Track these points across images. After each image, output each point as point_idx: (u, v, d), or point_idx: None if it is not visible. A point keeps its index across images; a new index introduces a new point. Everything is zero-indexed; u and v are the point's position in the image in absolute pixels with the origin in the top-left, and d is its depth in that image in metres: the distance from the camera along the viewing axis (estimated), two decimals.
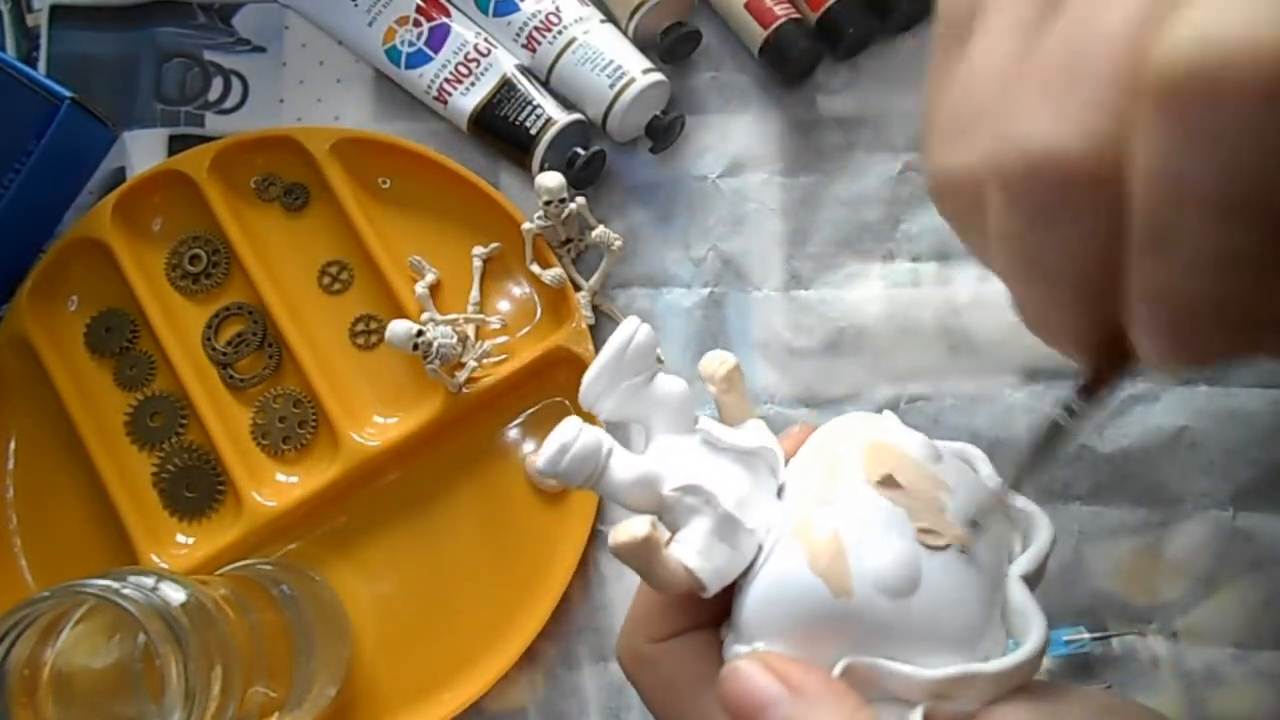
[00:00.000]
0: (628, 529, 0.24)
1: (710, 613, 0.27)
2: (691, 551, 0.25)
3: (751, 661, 0.24)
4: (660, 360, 0.27)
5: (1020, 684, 0.24)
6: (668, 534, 0.25)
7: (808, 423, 0.28)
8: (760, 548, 0.25)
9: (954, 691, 0.23)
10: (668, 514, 0.26)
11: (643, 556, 0.24)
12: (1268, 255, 0.17)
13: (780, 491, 0.27)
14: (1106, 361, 0.22)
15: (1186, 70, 0.16)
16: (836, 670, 0.24)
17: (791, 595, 0.24)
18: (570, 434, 0.25)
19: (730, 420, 0.28)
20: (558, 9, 0.46)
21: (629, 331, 0.26)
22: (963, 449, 0.28)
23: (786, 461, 0.27)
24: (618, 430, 0.28)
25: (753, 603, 0.25)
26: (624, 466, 0.26)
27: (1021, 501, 0.27)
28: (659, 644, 0.27)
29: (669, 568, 0.24)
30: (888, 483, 0.25)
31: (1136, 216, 0.18)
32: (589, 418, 0.27)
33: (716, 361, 0.28)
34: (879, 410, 0.44)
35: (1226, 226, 0.17)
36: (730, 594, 0.26)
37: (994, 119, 0.19)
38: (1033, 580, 0.26)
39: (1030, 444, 0.25)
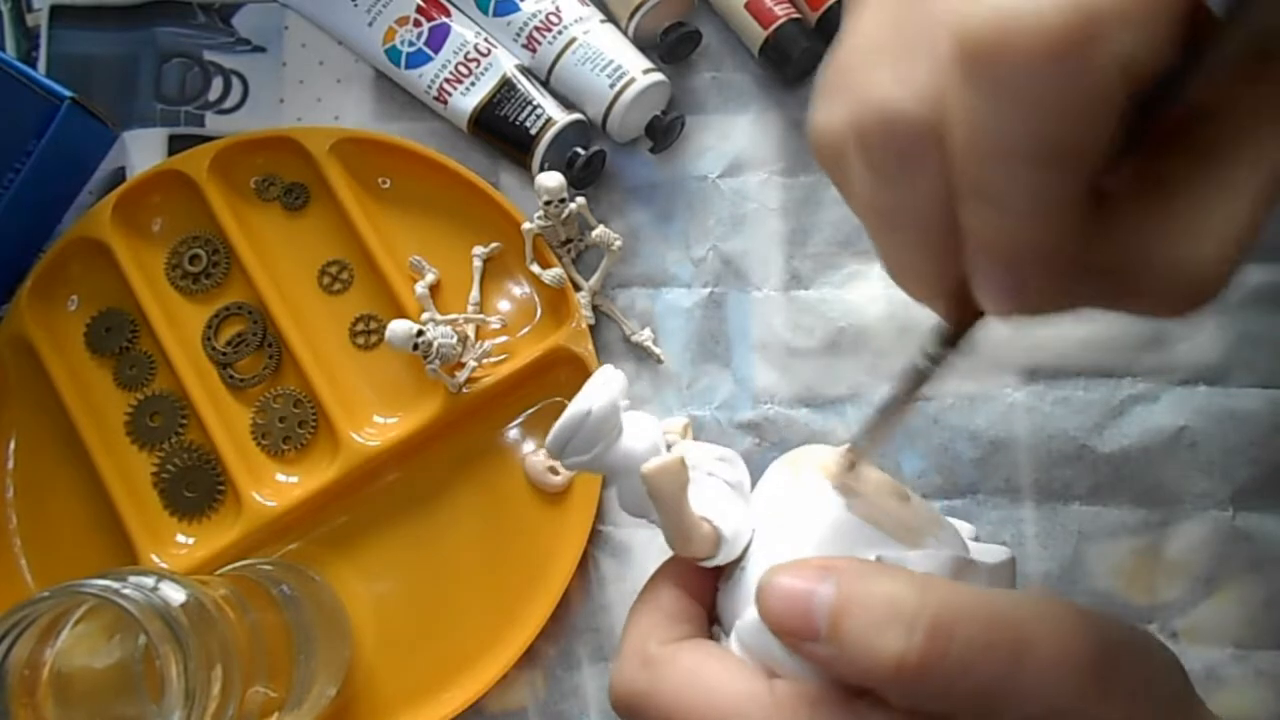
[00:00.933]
0: (661, 460, 0.25)
1: (699, 629, 0.27)
2: (711, 509, 0.27)
3: (783, 567, 0.25)
4: (620, 425, 0.28)
5: (1007, 587, 0.28)
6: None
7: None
8: (746, 550, 0.27)
9: (964, 577, 0.26)
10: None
11: (677, 484, 0.25)
12: (1078, 200, 0.19)
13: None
14: (960, 310, 0.24)
15: (986, 34, 0.18)
16: (870, 557, 0.26)
17: (823, 514, 0.26)
18: (592, 396, 0.27)
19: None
20: (558, 9, 0.46)
21: (584, 406, 0.27)
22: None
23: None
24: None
25: (774, 544, 0.27)
26: (636, 436, 0.27)
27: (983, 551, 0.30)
28: (669, 645, 0.27)
29: (694, 518, 0.26)
30: (849, 458, 0.28)
31: (956, 170, 0.20)
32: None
33: (671, 421, 0.31)
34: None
35: (1033, 174, 0.19)
36: (726, 599, 0.27)
37: (856, 81, 0.21)
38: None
39: (889, 393, 0.26)
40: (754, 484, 0.30)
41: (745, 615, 0.25)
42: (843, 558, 0.25)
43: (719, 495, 0.27)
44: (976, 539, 0.31)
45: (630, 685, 0.26)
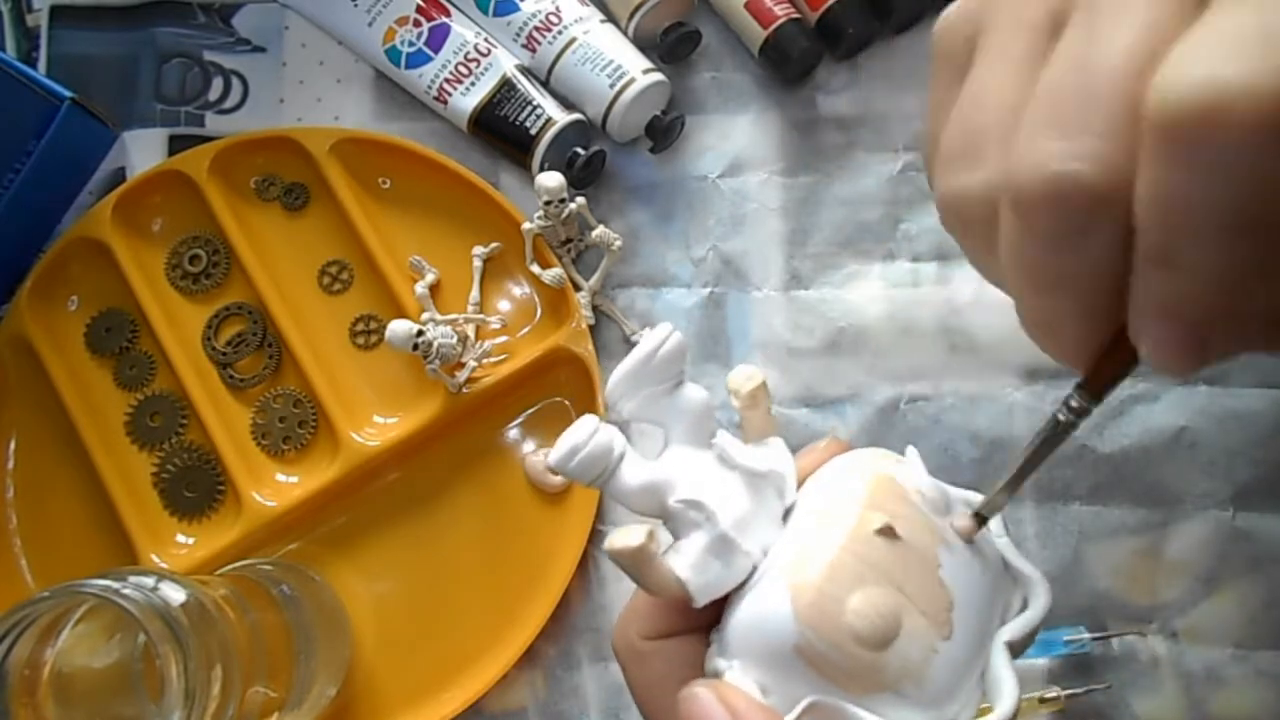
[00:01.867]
0: (624, 536, 0.24)
1: (704, 618, 0.27)
2: (685, 564, 0.25)
3: (710, 691, 0.24)
4: (683, 372, 0.27)
5: None
6: (665, 544, 0.26)
7: (836, 439, 0.28)
8: (755, 568, 0.26)
9: None
10: (670, 521, 0.26)
11: (636, 564, 0.24)
12: (1265, 265, 0.19)
13: (787, 514, 0.27)
14: (1107, 366, 0.23)
15: (1191, 109, 0.17)
16: (799, 708, 0.24)
17: (770, 629, 0.24)
18: (582, 436, 0.25)
19: (751, 436, 0.28)
20: (558, 9, 0.46)
21: (659, 338, 0.26)
22: (974, 500, 0.27)
23: (801, 481, 0.27)
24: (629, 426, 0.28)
25: (736, 624, 0.25)
26: (633, 472, 0.26)
27: (1027, 567, 0.27)
28: (651, 642, 0.27)
29: (662, 574, 0.25)
30: (886, 533, 0.24)
31: (1142, 238, 0.19)
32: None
33: (743, 377, 0.27)
34: (878, 411, 0.44)
35: (1225, 246, 0.18)
36: (723, 604, 0.26)
37: (1003, 143, 0.21)
38: (1018, 646, 0.25)
39: (1030, 443, 0.25)
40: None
41: (716, 658, 0.26)
42: (761, 712, 0.24)
43: (699, 548, 0.25)
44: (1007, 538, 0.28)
45: (618, 653, 0.28)
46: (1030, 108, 0.20)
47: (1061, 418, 0.24)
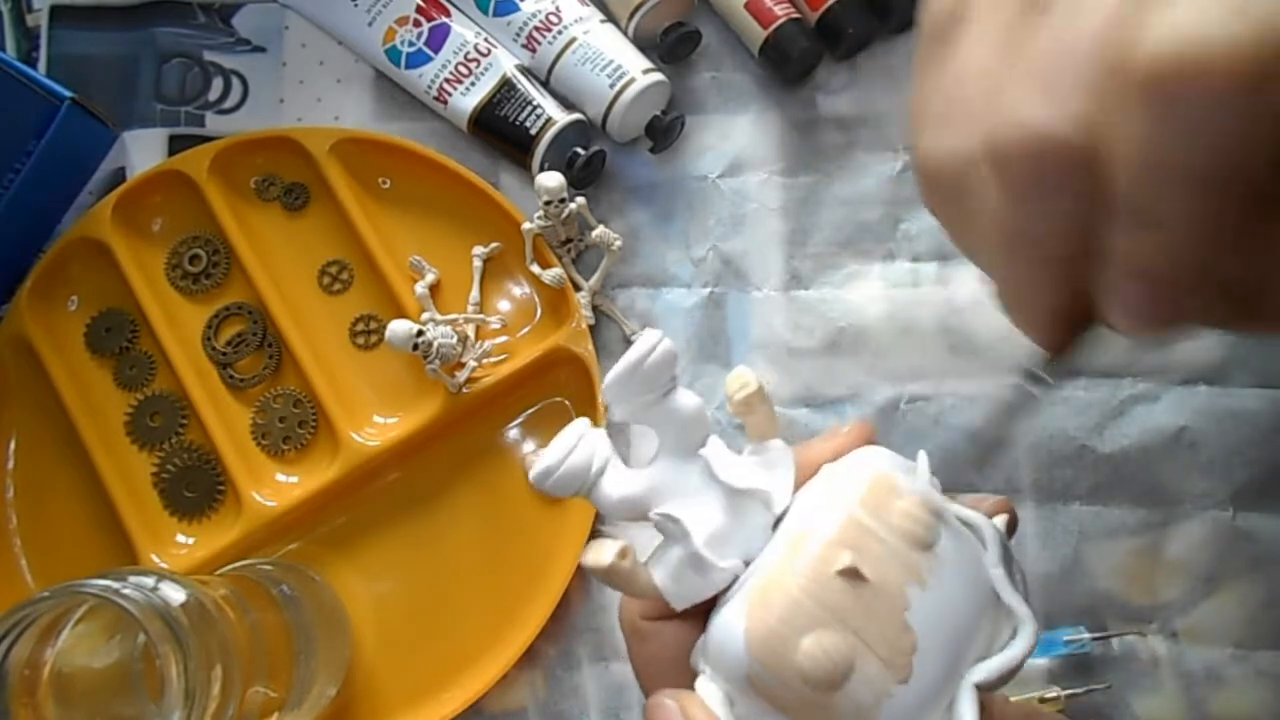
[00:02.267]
0: (596, 553, 0.25)
1: (702, 604, 0.27)
2: (664, 573, 0.26)
3: (675, 702, 0.25)
4: (674, 379, 0.27)
5: None
6: (642, 557, 0.26)
7: (863, 424, 0.28)
8: (737, 578, 0.26)
9: None
10: (656, 527, 0.27)
11: (610, 580, 0.25)
12: (1242, 224, 0.19)
13: (780, 521, 0.26)
14: (1070, 333, 0.24)
15: (1171, 64, 0.17)
16: None
17: (729, 654, 0.24)
18: (558, 455, 0.26)
19: (753, 437, 0.28)
20: (558, 9, 0.46)
21: (648, 345, 0.26)
22: (974, 520, 0.27)
23: (817, 469, 0.27)
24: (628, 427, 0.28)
25: (709, 635, 0.26)
26: (614, 485, 0.26)
27: (1017, 603, 0.25)
28: (652, 622, 0.28)
29: (641, 583, 0.26)
30: (848, 574, 0.24)
31: (1121, 196, 0.20)
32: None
33: (737, 385, 0.27)
34: (879, 411, 0.44)
35: (1205, 200, 0.19)
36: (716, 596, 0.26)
37: (985, 104, 0.21)
38: (988, 688, 0.25)
39: (997, 415, 0.26)
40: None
41: (699, 655, 0.26)
42: None
43: (677, 561, 0.26)
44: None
45: (623, 628, 0.29)
46: (1013, 71, 0.21)
47: (1028, 387, 0.25)
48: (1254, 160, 0.18)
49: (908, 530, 0.25)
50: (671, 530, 0.26)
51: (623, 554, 0.25)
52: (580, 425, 0.26)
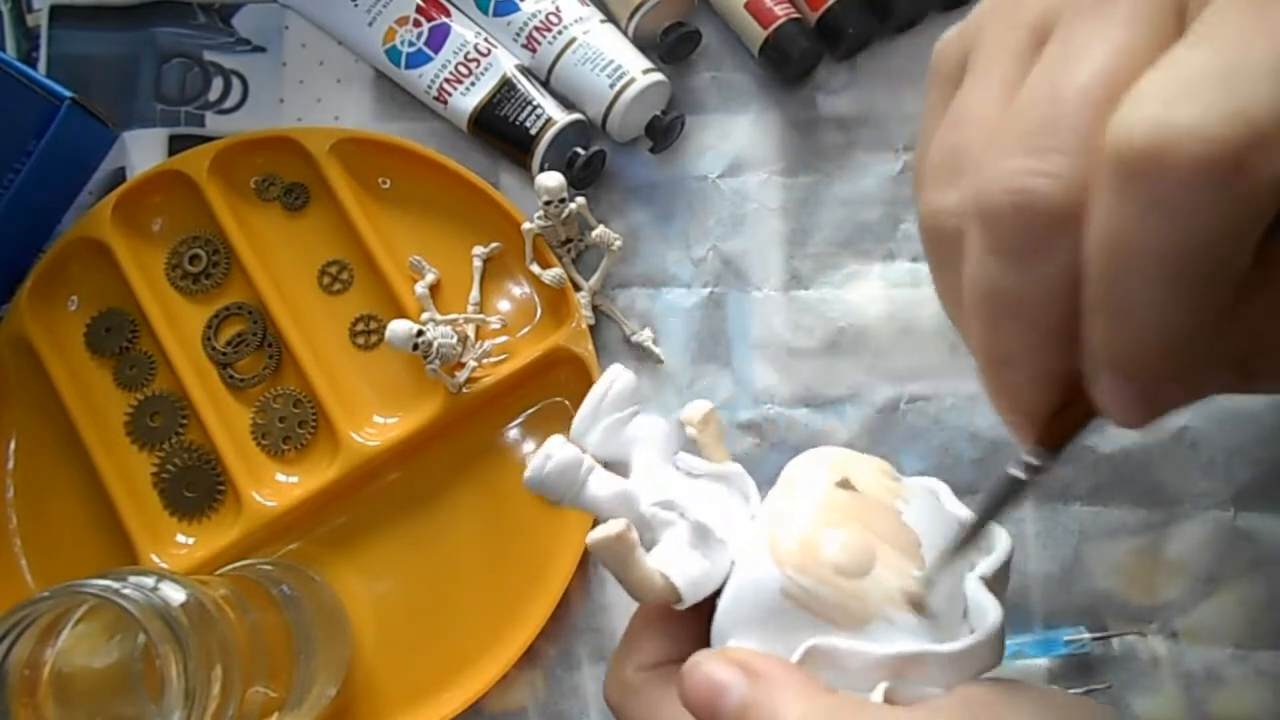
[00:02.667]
0: (603, 528, 0.25)
1: (694, 646, 0.27)
2: (668, 560, 0.26)
3: (710, 654, 0.25)
4: (638, 407, 0.30)
5: (978, 671, 0.25)
6: (643, 548, 0.27)
7: None
8: (733, 564, 0.26)
9: (910, 670, 0.24)
10: (646, 531, 0.28)
11: (618, 554, 0.25)
12: (1215, 317, 0.19)
13: (753, 518, 0.28)
14: (1064, 419, 0.23)
15: (1140, 148, 0.17)
16: (798, 654, 0.24)
17: (756, 586, 0.25)
18: (547, 452, 0.27)
19: (708, 457, 0.30)
20: (558, 9, 0.46)
21: (608, 381, 0.29)
22: (928, 481, 0.29)
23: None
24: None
25: (722, 609, 0.26)
26: (602, 484, 0.28)
27: (973, 515, 0.27)
28: (644, 672, 0.27)
29: (646, 572, 0.26)
30: (845, 485, 0.26)
31: (1089, 285, 0.19)
32: None
33: (694, 407, 0.30)
34: (878, 411, 0.44)
35: (1171, 294, 0.18)
36: (709, 623, 0.27)
37: (977, 162, 0.21)
38: (993, 584, 0.26)
39: (983, 501, 0.25)
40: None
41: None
42: (764, 658, 0.24)
43: (681, 542, 0.27)
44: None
45: (610, 698, 0.28)
46: (1002, 125, 0.21)
47: (1018, 475, 0.24)
48: (1227, 246, 0.18)
49: (881, 467, 0.28)
50: (667, 516, 0.27)
51: (629, 527, 0.26)
52: (559, 437, 0.28)
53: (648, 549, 0.27)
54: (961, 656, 0.24)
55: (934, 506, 0.27)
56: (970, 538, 0.25)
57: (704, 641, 0.27)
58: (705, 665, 0.24)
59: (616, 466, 0.29)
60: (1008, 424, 0.24)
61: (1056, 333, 0.21)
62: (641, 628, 0.29)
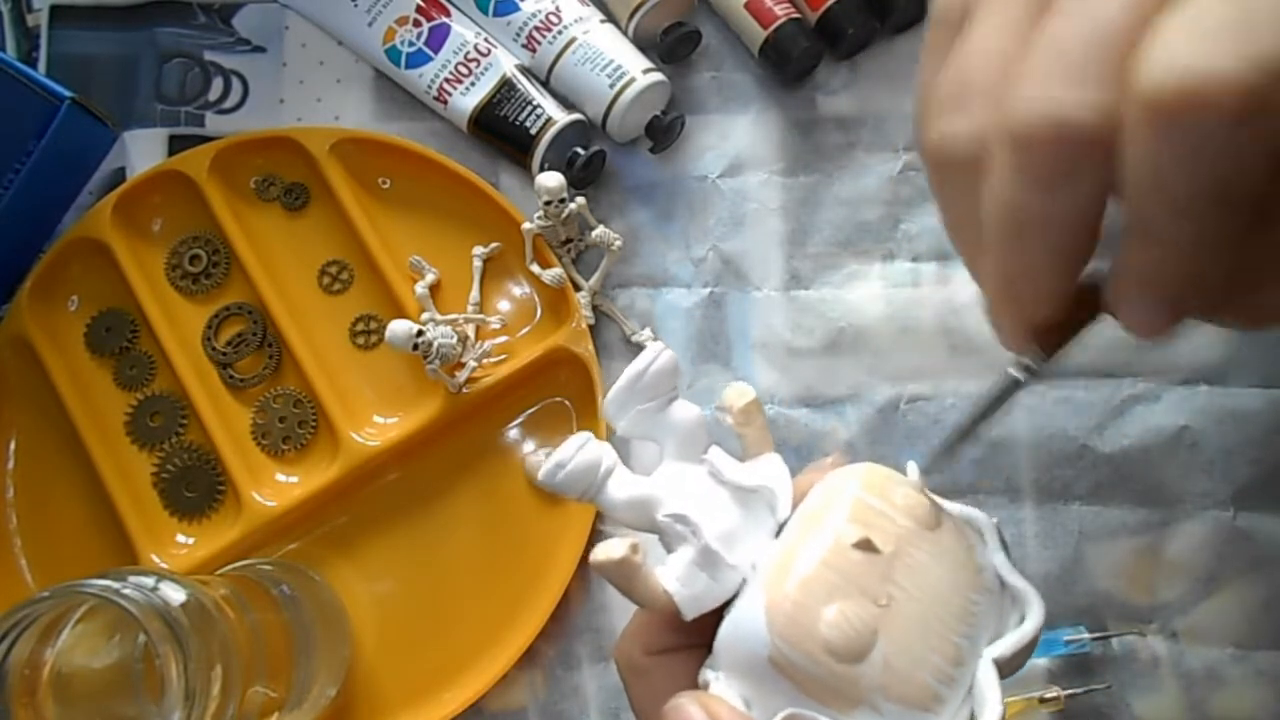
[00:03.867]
0: (607, 549, 0.25)
1: (704, 635, 0.27)
2: (672, 577, 0.26)
3: (693, 702, 0.25)
4: (675, 389, 0.28)
5: None
6: (652, 560, 0.26)
7: (841, 454, 0.29)
8: (744, 581, 0.26)
9: None
10: (661, 536, 0.27)
11: (620, 576, 0.25)
12: (1241, 237, 0.20)
13: (781, 530, 0.27)
14: (1061, 333, 0.24)
15: (1171, 94, 0.19)
16: (778, 718, 0.24)
17: (747, 640, 0.24)
18: (569, 451, 0.26)
19: (749, 452, 0.28)
20: (558, 9, 0.46)
21: (649, 357, 0.27)
22: (972, 516, 0.27)
23: (804, 496, 0.27)
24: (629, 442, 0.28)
25: (721, 636, 0.25)
26: (620, 486, 0.27)
27: (1022, 583, 0.26)
28: (653, 656, 0.27)
29: (650, 588, 0.25)
30: (863, 546, 0.24)
31: (1127, 211, 0.21)
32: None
33: (735, 394, 0.28)
34: (878, 411, 0.44)
35: (1202, 220, 0.20)
36: (719, 618, 0.26)
37: (1002, 87, 0.22)
38: (1007, 664, 0.25)
39: (981, 400, 0.26)
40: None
41: (705, 669, 0.26)
42: (741, 717, 0.24)
43: (688, 561, 0.26)
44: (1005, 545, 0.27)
45: (620, 667, 0.28)
46: (1033, 54, 0.22)
47: (1017, 376, 0.25)
48: (1251, 179, 0.19)
49: (912, 509, 0.25)
50: (680, 531, 0.26)
51: (634, 549, 0.25)
52: (581, 434, 0.27)
53: (667, 551, 0.26)
54: None
55: (963, 561, 0.26)
56: (964, 436, 0.26)
57: (712, 634, 0.27)
58: (686, 713, 0.25)
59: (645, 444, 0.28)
60: (1005, 334, 0.25)
61: (1075, 252, 0.23)
62: (652, 616, 0.28)
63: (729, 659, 0.25)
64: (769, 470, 0.27)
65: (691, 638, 0.27)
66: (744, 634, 0.24)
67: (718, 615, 0.26)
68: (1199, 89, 0.18)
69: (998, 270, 0.24)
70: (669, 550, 0.26)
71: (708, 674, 0.26)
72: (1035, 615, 0.25)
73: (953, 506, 0.27)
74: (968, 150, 0.23)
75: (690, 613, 0.25)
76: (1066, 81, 0.21)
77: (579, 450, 0.26)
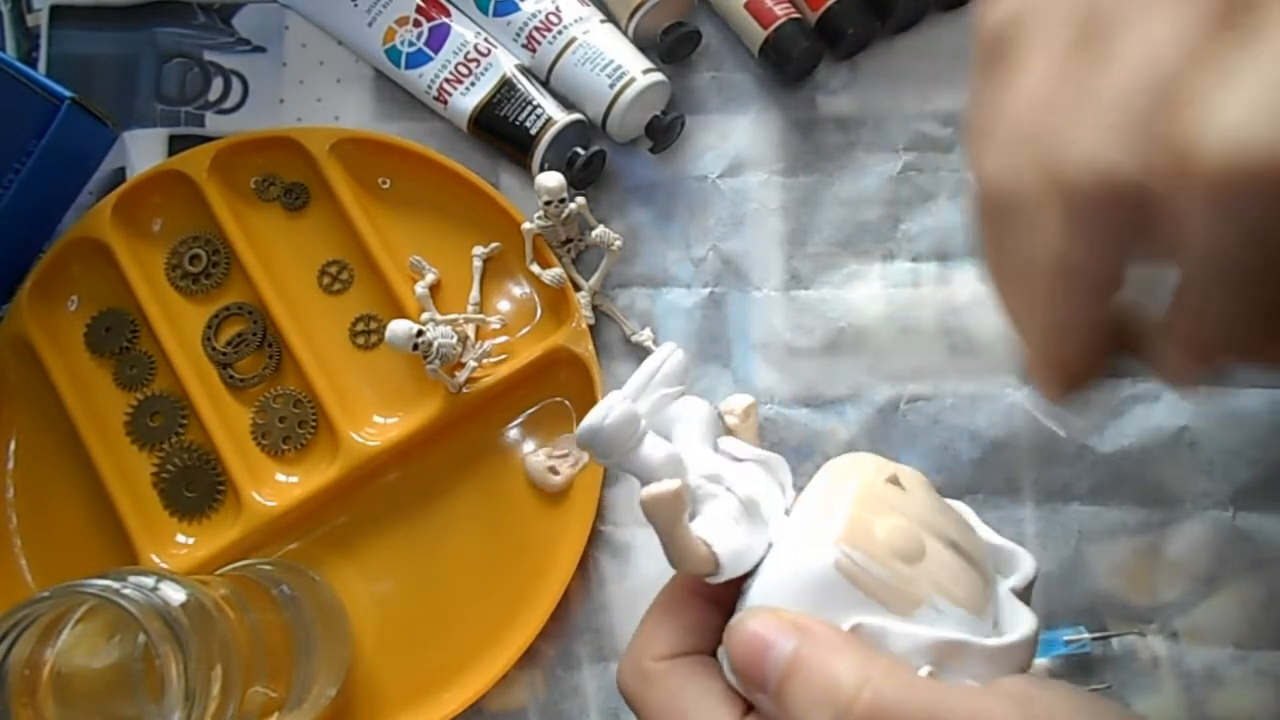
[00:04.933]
0: (659, 484, 0.25)
1: (711, 640, 0.27)
2: (712, 529, 0.26)
3: (758, 611, 0.25)
4: (684, 388, 0.30)
5: (1013, 670, 0.25)
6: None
7: None
8: (770, 546, 0.27)
9: (951, 658, 0.24)
10: (692, 502, 0.27)
11: (672, 512, 0.25)
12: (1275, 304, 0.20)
13: (788, 512, 0.28)
14: (1092, 375, 0.25)
15: (1233, 170, 0.18)
16: (846, 625, 0.25)
17: (807, 563, 0.25)
18: (608, 406, 0.27)
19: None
20: (558, 9, 0.46)
21: (661, 357, 0.29)
22: (958, 504, 0.29)
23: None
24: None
25: (761, 587, 0.26)
26: (655, 446, 0.27)
27: (1008, 543, 0.29)
28: (662, 661, 0.27)
29: (690, 539, 0.26)
30: (894, 480, 0.27)
31: (1181, 279, 0.21)
32: None
33: (737, 399, 0.30)
34: (878, 411, 0.44)
35: (1253, 294, 0.20)
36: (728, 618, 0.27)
37: (1053, 136, 0.22)
38: (1021, 591, 0.27)
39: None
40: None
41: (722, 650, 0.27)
42: (816, 620, 0.24)
43: (725, 515, 0.27)
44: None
45: (625, 686, 0.28)
46: (1087, 106, 0.21)
47: (1054, 428, 0.26)
48: None
49: (920, 479, 0.28)
50: (713, 489, 0.27)
51: (683, 487, 0.26)
52: (616, 393, 0.28)
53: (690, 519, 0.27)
54: (1002, 652, 0.25)
55: (965, 524, 0.28)
56: None
57: (717, 642, 0.27)
58: (754, 620, 0.25)
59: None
60: (1038, 379, 0.26)
61: (1109, 298, 0.23)
62: (660, 618, 0.28)
63: (782, 589, 0.26)
64: (775, 456, 0.29)
65: (700, 642, 0.27)
66: (798, 561, 0.25)
67: (726, 615, 0.26)
68: (1253, 165, 0.18)
69: (1041, 320, 0.24)
70: (695, 515, 0.27)
71: (720, 651, 0.26)
72: (1028, 559, 0.28)
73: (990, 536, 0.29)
74: (1016, 192, 0.23)
75: (728, 567, 0.26)
76: (1120, 139, 0.21)
77: (620, 403, 0.27)
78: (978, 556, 0.27)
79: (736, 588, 0.27)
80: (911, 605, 0.25)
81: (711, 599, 0.28)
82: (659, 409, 0.29)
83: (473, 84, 0.47)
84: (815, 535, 0.25)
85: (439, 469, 0.46)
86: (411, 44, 0.47)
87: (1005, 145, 0.23)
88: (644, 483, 0.26)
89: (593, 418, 0.27)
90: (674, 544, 0.26)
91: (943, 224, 0.45)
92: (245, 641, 0.37)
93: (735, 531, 0.26)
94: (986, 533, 0.29)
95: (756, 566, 0.26)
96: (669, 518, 0.25)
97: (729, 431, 0.30)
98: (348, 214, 0.46)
